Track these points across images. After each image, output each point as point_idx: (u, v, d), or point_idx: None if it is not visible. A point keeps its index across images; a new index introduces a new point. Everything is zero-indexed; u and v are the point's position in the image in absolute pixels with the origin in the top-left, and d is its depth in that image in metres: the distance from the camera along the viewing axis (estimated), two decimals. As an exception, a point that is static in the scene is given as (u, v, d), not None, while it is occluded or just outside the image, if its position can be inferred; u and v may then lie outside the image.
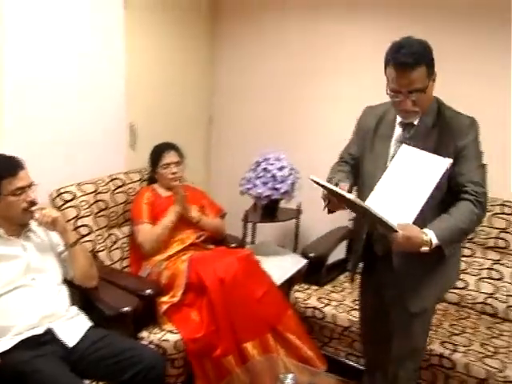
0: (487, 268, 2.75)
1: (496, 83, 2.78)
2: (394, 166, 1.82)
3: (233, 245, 3.01)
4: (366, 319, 2.29)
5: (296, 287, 2.85)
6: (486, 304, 2.69)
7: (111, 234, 2.80)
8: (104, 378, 1.99)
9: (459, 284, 2.70)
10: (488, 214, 2.58)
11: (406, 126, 1.88)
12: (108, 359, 2.00)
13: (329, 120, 3.42)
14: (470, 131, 1.82)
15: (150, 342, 2.31)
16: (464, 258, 2.65)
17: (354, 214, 2.69)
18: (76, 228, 2.60)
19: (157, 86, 3.33)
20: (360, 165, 2.03)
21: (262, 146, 3.36)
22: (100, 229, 2.73)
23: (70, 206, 2.61)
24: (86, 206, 2.67)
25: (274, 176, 3.13)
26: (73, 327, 2.08)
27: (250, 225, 3.41)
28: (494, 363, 2.24)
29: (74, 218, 2.61)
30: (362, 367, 2.50)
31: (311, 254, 2.87)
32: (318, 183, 1.78)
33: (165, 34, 3.33)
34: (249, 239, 3.45)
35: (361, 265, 2.19)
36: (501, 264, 2.73)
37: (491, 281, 2.72)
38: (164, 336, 2.34)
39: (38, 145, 2.56)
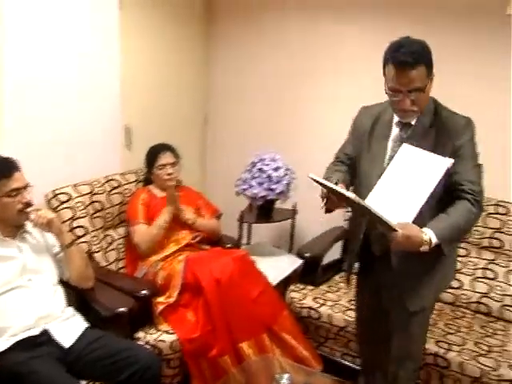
0: (482, 268, 2.76)
1: (496, 84, 2.79)
2: (395, 164, 1.82)
3: (228, 245, 3.02)
4: (362, 319, 2.29)
5: (291, 287, 2.85)
6: (481, 303, 2.70)
7: (107, 235, 2.81)
8: (100, 379, 1.99)
9: (454, 284, 2.72)
10: (482, 214, 2.59)
11: (403, 125, 1.89)
12: (104, 360, 2.00)
13: (324, 120, 3.43)
14: (467, 131, 1.83)
15: (146, 343, 2.31)
16: (459, 258, 2.66)
17: (349, 215, 2.71)
18: (72, 229, 2.60)
19: (152, 87, 3.33)
20: (357, 165, 2.03)
21: (258, 147, 3.36)
22: (96, 230, 2.73)
23: (66, 207, 2.61)
24: (82, 207, 2.67)
25: (269, 176, 3.14)
26: (69, 328, 2.09)
27: (245, 225, 3.41)
28: (488, 362, 2.26)
29: (69, 219, 2.61)
30: (357, 367, 2.52)
31: (307, 254, 2.88)
32: (317, 181, 1.78)
33: (160, 35, 3.33)
34: (244, 240, 3.45)
35: (356, 265, 2.19)
36: (495, 264, 2.75)
37: (486, 280, 2.73)
38: (160, 336, 2.34)
39: (33, 145, 2.56)
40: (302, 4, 3.37)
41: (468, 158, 1.80)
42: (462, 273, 2.76)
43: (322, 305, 2.70)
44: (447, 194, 1.80)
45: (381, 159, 1.92)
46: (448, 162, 1.71)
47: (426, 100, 1.83)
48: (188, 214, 2.85)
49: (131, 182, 3.00)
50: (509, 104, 2.75)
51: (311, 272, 2.89)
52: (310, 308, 2.70)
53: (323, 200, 1.88)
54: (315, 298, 2.74)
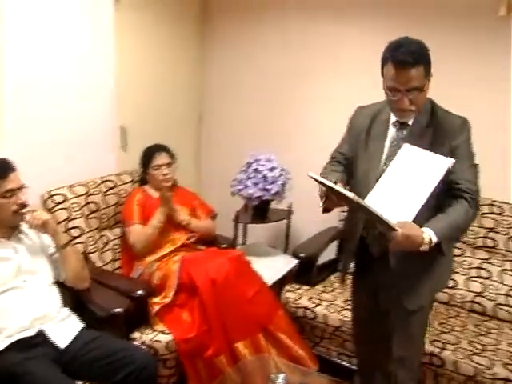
0: (476, 267, 2.78)
1: (496, 85, 2.79)
2: (396, 164, 1.82)
3: (224, 245, 3.02)
4: (359, 320, 2.29)
5: (287, 287, 2.86)
6: (475, 302, 2.72)
7: (103, 236, 2.81)
8: (96, 379, 2.00)
9: (449, 283, 2.72)
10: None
11: (400, 125, 1.90)
12: (100, 360, 2.01)
13: (319, 121, 3.44)
14: (463, 131, 1.84)
15: (142, 343, 2.32)
16: (454, 258, 2.68)
17: (344, 215, 2.72)
18: (67, 230, 2.60)
19: (147, 87, 3.33)
20: (353, 164, 2.03)
21: (253, 147, 3.37)
22: (91, 230, 2.73)
23: (62, 208, 2.61)
24: (78, 208, 2.68)
25: (264, 177, 3.15)
26: (64, 329, 2.09)
27: (241, 225, 3.42)
28: (482, 360, 2.27)
29: (65, 220, 2.61)
30: (353, 367, 2.52)
31: (302, 255, 2.89)
32: (316, 180, 1.78)
33: (155, 35, 3.33)
34: (240, 240, 3.46)
35: (351, 265, 2.20)
36: (489, 263, 2.76)
37: (480, 280, 2.75)
38: (156, 337, 2.35)
39: (30, 146, 2.57)
40: (300, 4, 3.37)
41: (464, 158, 1.81)
42: (456, 272, 2.77)
43: (318, 305, 2.70)
44: (444, 193, 1.81)
45: (378, 159, 1.93)
46: (449, 161, 1.72)
47: (424, 100, 1.84)
48: (182, 215, 2.85)
49: (127, 183, 3.00)
50: (509, 104, 2.76)
51: (306, 272, 2.90)
52: (306, 308, 2.70)
53: (322, 199, 1.88)
54: (311, 298, 2.75)
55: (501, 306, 2.66)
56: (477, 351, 2.34)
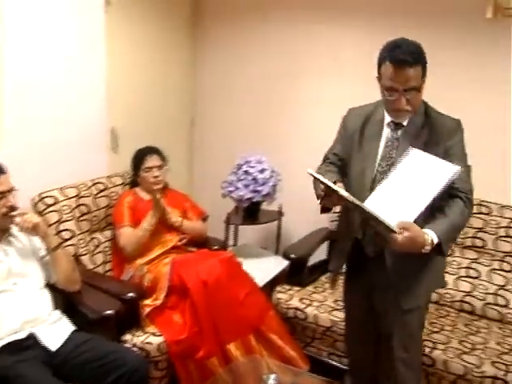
0: (465, 267, 2.80)
1: (496, 87, 2.80)
2: (402, 168, 1.81)
3: (215, 247, 3.02)
4: (353, 320, 2.27)
5: (278, 288, 2.87)
6: (464, 302, 2.74)
7: (94, 238, 2.81)
8: (87, 382, 1.99)
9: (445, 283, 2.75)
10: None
11: (395, 126, 1.91)
12: (91, 363, 2.01)
13: (310, 122, 3.45)
14: (458, 132, 1.87)
15: (134, 345, 2.32)
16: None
17: (335, 216, 2.73)
18: (58, 232, 2.60)
19: (138, 89, 3.33)
20: (347, 165, 2.04)
21: (245, 149, 3.38)
22: (82, 233, 2.73)
23: (52, 211, 2.61)
24: (68, 211, 2.67)
25: (255, 178, 3.16)
26: (55, 331, 2.09)
27: (232, 227, 3.42)
28: (472, 359, 2.29)
29: (56, 223, 2.61)
30: (344, 367, 2.53)
31: (293, 256, 2.89)
32: (314, 177, 1.79)
33: (146, 37, 3.33)
34: (231, 241, 3.46)
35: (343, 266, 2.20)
36: (478, 263, 2.79)
37: (469, 279, 2.77)
38: (147, 339, 2.35)
39: (19, 149, 2.56)
40: (292, 6, 3.38)
41: (459, 158, 1.83)
42: (446, 272, 2.77)
43: (309, 305, 2.71)
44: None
45: (372, 159, 1.94)
46: (455, 168, 1.72)
47: (420, 101, 1.86)
48: (174, 217, 2.86)
49: (118, 185, 3.00)
50: (509, 106, 2.77)
51: (297, 273, 2.91)
52: (297, 309, 2.72)
53: (319, 198, 1.89)
54: (301, 299, 2.76)
55: (490, 306, 2.69)
56: (466, 350, 2.36)
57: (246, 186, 3.15)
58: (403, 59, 1.73)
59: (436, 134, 1.86)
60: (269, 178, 3.18)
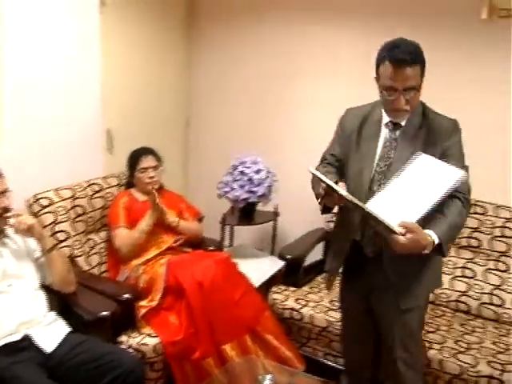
0: (461, 267, 2.81)
1: (496, 87, 2.80)
2: (408, 172, 1.80)
3: (211, 248, 3.02)
4: (350, 321, 2.27)
5: (274, 289, 2.87)
6: (460, 302, 2.75)
7: (89, 239, 2.80)
8: (83, 383, 1.99)
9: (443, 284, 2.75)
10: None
11: (393, 126, 1.91)
12: (87, 364, 2.00)
13: (305, 123, 3.45)
14: (456, 132, 1.87)
15: (129, 346, 2.31)
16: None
17: (331, 215, 2.73)
18: (53, 234, 2.59)
19: (133, 90, 3.33)
20: (345, 165, 2.04)
21: (240, 150, 3.38)
22: (78, 234, 2.72)
23: (48, 212, 2.60)
24: (64, 212, 2.67)
25: (250, 179, 3.16)
26: (51, 333, 2.08)
27: (227, 228, 3.43)
28: (467, 359, 2.30)
29: (51, 224, 2.60)
30: (339, 367, 2.54)
31: (288, 256, 2.90)
32: (315, 176, 1.78)
33: (141, 38, 3.33)
34: (227, 242, 3.46)
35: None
36: (473, 263, 2.80)
37: (464, 279, 2.78)
38: (143, 340, 2.34)
39: (12, 150, 2.56)
40: (286, 7, 3.38)
41: (456, 159, 1.83)
42: (441, 272, 2.79)
43: (304, 306, 2.72)
44: None
45: (370, 159, 1.94)
46: (460, 173, 1.71)
47: (418, 100, 1.87)
48: (171, 217, 2.85)
49: (113, 186, 2.99)
50: (509, 107, 2.78)
51: (293, 273, 2.91)
52: (292, 309, 2.72)
53: (318, 197, 1.88)
54: (297, 300, 2.76)
55: (485, 305, 2.70)
56: (462, 350, 2.37)
57: (242, 186, 3.15)
58: (402, 59, 1.73)
59: (434, 134, 1.87)
60: (264, 179, 3.18)
